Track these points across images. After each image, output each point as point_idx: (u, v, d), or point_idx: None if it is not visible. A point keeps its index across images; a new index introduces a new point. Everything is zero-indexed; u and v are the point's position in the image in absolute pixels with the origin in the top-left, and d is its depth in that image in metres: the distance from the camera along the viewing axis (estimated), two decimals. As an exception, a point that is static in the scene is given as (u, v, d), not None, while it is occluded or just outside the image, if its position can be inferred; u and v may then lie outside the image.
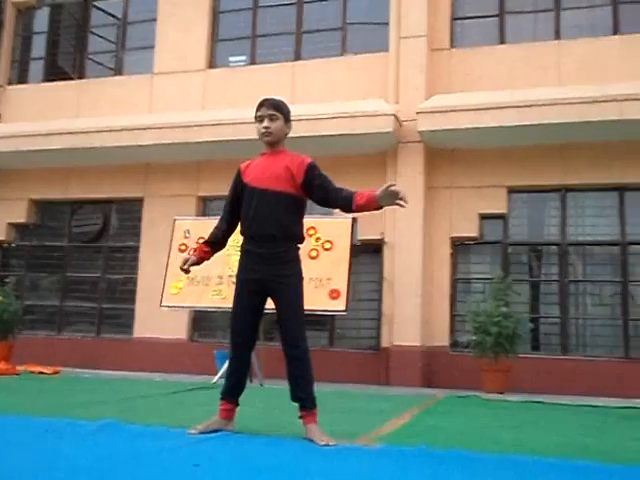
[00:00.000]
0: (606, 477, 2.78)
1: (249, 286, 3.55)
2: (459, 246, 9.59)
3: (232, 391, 3.57)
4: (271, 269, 3.50)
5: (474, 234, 9.44)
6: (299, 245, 3.65)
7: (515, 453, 3.29)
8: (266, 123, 3.58)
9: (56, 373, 8.59)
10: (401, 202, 3.34)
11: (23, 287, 11.31)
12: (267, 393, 6.24)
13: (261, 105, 3.63)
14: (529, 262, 9.66)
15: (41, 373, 8.42)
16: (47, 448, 2.98)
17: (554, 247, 9.38)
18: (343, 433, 3.58)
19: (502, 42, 9.83)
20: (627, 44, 9.13)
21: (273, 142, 3.62)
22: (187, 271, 3.72)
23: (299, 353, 3.47)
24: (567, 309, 9.10)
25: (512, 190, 9.44)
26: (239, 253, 3.67)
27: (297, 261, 3.60)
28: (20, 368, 8.44)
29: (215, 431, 3.45)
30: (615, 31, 9.39)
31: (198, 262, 3.75)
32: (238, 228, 3.71)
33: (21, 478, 2.30)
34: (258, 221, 3.50)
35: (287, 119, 3.65)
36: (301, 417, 3.45)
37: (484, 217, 9.48)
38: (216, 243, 3.78)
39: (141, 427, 3.60)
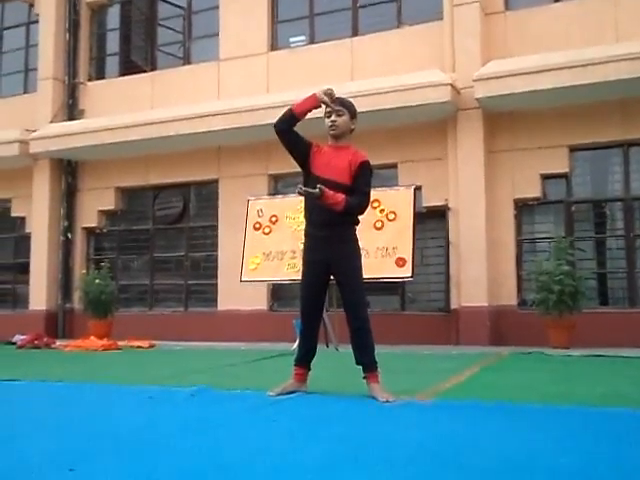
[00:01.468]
0: (631, 421, 3.17)
1: (314, 266, 4.07)
2: (522, 207, 9.78)
3: (304, 357, 4.11)
4: (332, 250, 4.00)
5: (537, 195, 9.61)
6: (355, 227, 4.13)
7: (556, 404, 3.68)
8: (333, 117, 4.03)
9: (152, 347, 9.43)
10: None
11: (116, 269, 12.29)
12: (341, 357, 6.75)
13: None
14: (594, 219, 9.75)
15: (139, 347, 9.26)
16: (148, 412, 3.60)
17: (618, 203, 9.44)
18: (404, 390, 4.04)
19: (557, 0, 9.82)
20: (687, -8, 8.97)
21: (338, 135, 4.06)
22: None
23: (361, 323, 3.97)
24: (634, 263, 9.19)
25: (574, 149, 9.52)
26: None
27: (355, 241, 4.09)
28: (121, 343, 9.32)
29: (291, 392, 4.00)
30: (674, -22, 9.22)
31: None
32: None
33: (125, 437, 2.87)
34: (320, 207, 3.97)
35: (353, 116, 4.08)
36: (365, 378, 3.97)
37: (546, 177, 9.61)
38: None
39: (228, 392, 4.21)
